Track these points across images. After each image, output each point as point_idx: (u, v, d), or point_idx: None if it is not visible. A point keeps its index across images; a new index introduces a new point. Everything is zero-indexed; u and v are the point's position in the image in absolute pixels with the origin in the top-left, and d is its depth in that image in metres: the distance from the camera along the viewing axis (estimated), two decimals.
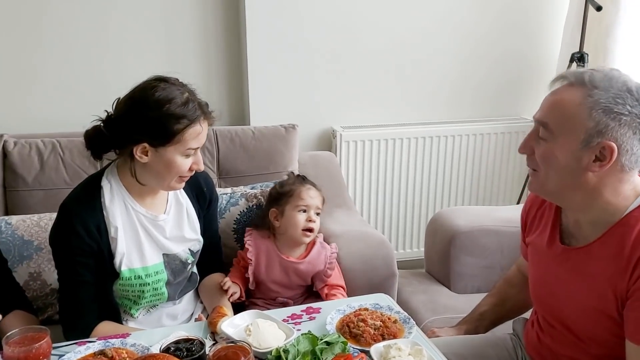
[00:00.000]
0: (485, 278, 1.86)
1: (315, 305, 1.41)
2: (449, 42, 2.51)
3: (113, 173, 1.41)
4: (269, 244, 1.71)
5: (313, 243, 1.72)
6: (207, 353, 1.12)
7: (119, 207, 1.39)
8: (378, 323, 1.26)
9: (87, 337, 1.36)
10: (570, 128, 1.07)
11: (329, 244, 1.74)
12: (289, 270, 1.68)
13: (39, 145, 1.90)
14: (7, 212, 1.85)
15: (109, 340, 1.20)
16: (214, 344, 1.18)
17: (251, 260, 1.68)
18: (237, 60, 2.32)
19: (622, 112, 1.04)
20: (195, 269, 1.59)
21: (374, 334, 1.23)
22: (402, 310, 1.34)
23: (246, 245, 1.70)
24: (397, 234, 2.62)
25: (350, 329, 1.25)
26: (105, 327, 1.39)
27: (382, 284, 1.71)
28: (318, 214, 1.70)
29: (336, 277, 1.70)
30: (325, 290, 1.69)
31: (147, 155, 1.33)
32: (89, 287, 1.37)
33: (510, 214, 1.86)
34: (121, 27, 2.16)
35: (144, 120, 1.30)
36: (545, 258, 1.24)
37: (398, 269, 1.79)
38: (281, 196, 1.70)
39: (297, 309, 1.38)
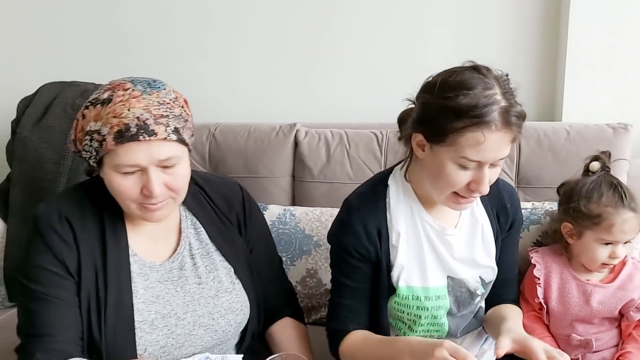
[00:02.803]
0: None
1: None
2: None
3: (402, 172, 1.21)
4: (562, 262, 1.37)
5: (623, 262, 1.33)
6: None
7: (403, 212, 1.18)
8: None
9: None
10: None
11: None
12: (590, 297, 1.31)
13: (327, 136, 1.84)
14: (294, 202, 1.86)
15: None
16: None
17: (539, 280, 1.35)
18: (552, 37, 1.87)
19: None
20: (483, 304, 1.30)
21: None
22: None
23: (532, 261, 1.37)
24: None
25: None
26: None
27: None
28: (627, 242, 1.30)
29: None
30: (631, 329, 1.29)
31: (423, 150, 1.10)
32: (360, 297, 1.20)
33: None
34: (421, 10, 1.94)
35: (425, 106, 1.08)
36: None
37: None
38: (584, 216, 1.29)
39: None
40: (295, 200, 1.85)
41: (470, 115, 1.00)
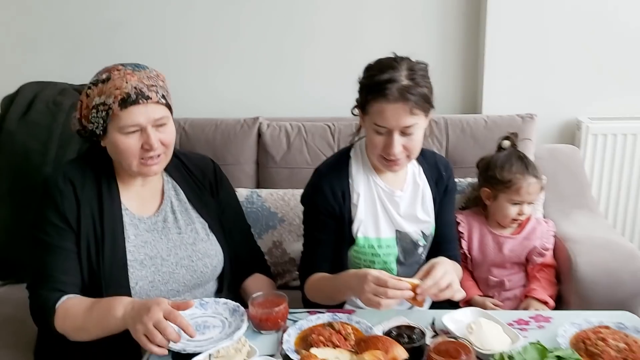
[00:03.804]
0: None
1: (545, 313, 1.31)
2: None
3: (362, 145, 1.49)
4: (481, 221, 1.71)
5: (528, 218, 1.68)
6: (427, 344, 1.13)
7: (362, 178, 1.47)
8: (621, 345, 1.11)
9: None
10: None
11: (546, 222, 1.72)
12: (502, 246, 1.66)
13: (287, 128, 2.10)
14: (258, 186, 2.11)
15: (337, 314, 1.29)
16: (434, 336, 1.18)
17: (463, 234, 1.68)
18: (473, 43, 2.24)
19: None
20: (424, 256, 1.56)
21: (615, 356, 1.09)
22: None
23: (457, 220, 1.70)
24: None
25: (587, 346, 1.12)
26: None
27: (627, 301, 1.50)
28: (531, 203, 1.66)
29: (550, 258, 1.66)
30: (535, 271, 1.64)
31: (364, 120, 1.40)
32: (326, 246, 1.47)
33: None
34: (357, 8, 2.23)
35: (359, 85, 1.39)
36: None
37: None
38: (498, 182, 1.64)
39: (524, 315, 1.30)
40: (260, 184, 2.10)
41: (375, 89, 1.31)
